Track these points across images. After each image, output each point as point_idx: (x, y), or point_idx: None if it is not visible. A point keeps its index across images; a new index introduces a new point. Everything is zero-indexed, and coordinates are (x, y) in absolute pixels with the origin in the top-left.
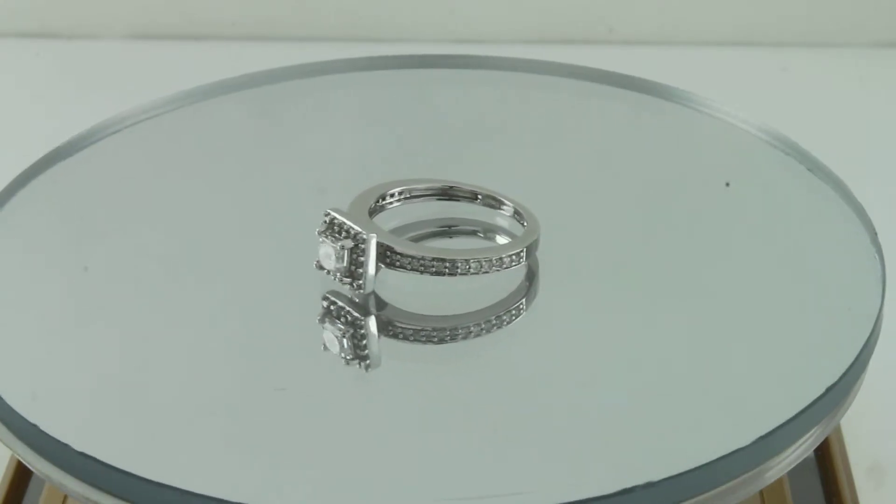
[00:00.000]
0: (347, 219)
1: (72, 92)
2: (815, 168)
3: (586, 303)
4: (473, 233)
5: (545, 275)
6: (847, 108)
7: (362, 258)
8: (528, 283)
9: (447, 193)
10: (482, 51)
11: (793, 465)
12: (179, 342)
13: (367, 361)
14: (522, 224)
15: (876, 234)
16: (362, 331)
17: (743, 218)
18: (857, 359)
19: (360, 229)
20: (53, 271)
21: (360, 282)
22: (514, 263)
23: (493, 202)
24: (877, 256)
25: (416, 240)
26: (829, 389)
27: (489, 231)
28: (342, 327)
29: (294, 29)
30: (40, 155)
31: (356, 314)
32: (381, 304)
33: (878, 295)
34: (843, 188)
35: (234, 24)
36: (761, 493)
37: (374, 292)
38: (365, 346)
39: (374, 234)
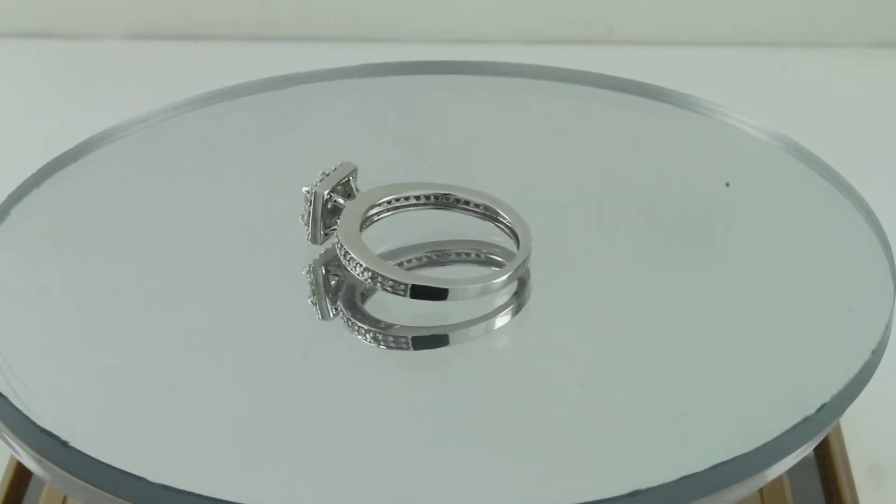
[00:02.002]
0: (334, 175)
1: (72, 92)
2: (823, 171)
3: (587, 307)
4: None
5: (544, 281)
6: (847, 108)
7: (309, 209)
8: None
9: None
10: (482, 51)
11: (792, 465)
12: (180, 343)
13: (318, 312)
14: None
15: (887, 239)
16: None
17: (745, 222)
18: (863, 368)
19: (316, 184)
20: (56, 275)
21: (307, 229)
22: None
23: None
24: (886, 261)
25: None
26: (832, 399)
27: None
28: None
29: (294, 29)
30: (40, 154)
31: (315, 265)
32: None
33: (888, 301)
34: (850, 190)
35: (234, 24)
36: (761, 492)
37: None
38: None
39: (321, 192)
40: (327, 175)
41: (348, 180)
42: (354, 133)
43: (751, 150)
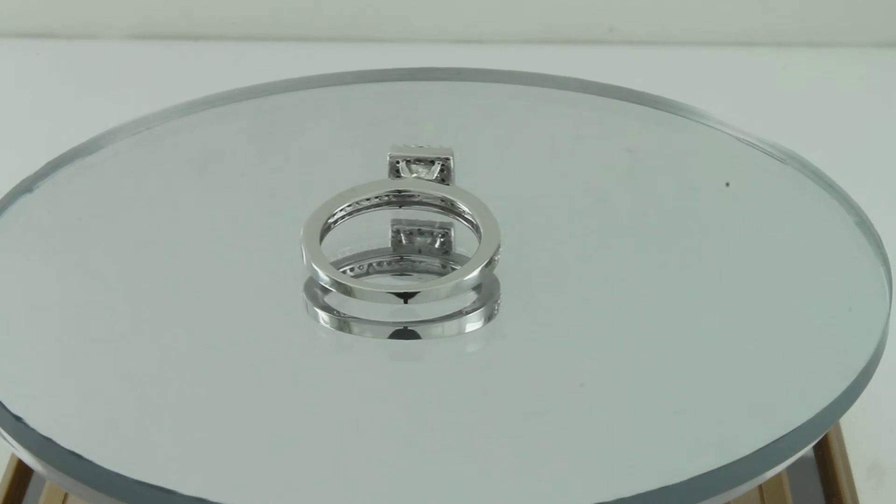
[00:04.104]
0: (420, 151)
1: (72, 92)
2: (815, 176)
3: (582, 309)
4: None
5: (533, 284)
6: (847, 108)
7: None
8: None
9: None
10: (482, 51)
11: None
12: (176, 346)
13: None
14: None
15: (881, 241)
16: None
17: (738, 226)
18: (860, 374)
19: (397, 146)
20: (53, 277)
21: None
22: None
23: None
24: (881, 263)
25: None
26: (831, 403)
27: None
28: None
29: (294, 29)
30: (40, 155)
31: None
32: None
33: (884, 303)
34: (843, 194)
35: (234, 24)
36: (761, 492)
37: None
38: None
39: (391, 154)
40: (420, 147)
41: (433, 162)
42: (350, 138)
43: (743, 156)
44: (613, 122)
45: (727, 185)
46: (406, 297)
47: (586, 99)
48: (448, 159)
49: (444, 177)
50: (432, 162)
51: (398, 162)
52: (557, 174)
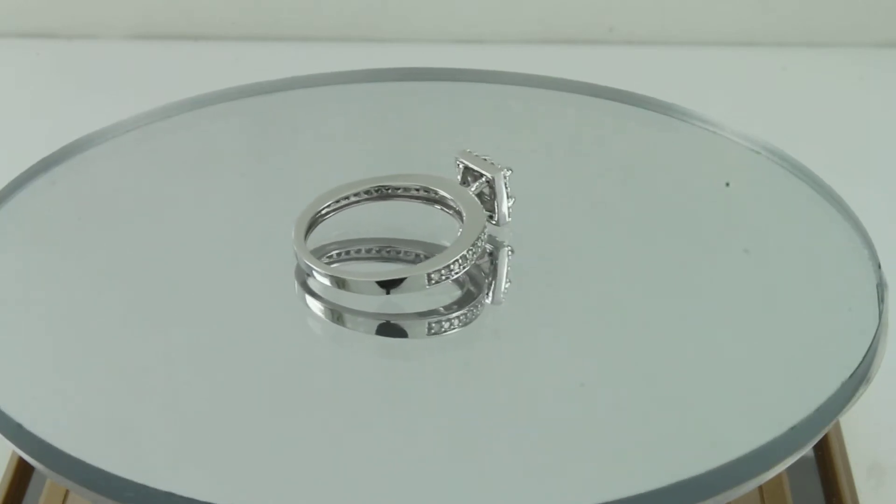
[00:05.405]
0: (477, 160)
1: (72, 92)
2: (809, 179)
3: (580, 309)
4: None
5: (530, 284)
6: (847, 108)
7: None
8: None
9: (383, 193)
10: (482, 51)
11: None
12: (173, 348)
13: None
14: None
15: (871, 241)
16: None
17: (734, 229)
18: (859, 373)
19: (463, 151)
20: (52, 276)
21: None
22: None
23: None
24: (872, 264)
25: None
26: (831, 403)
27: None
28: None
29: (294, 29)
30: (40, 155)
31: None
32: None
33: (875, 304)
34: (835, 197)
35: (234, 24)
36: (761, 492)
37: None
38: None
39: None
40: (483, 159)
41: (482, 176)
42: (347, 139)
43: (738, 158)
44: (612, 123)
45: (727, 184)
46: (389, 285)
47: (586, 100)
48: (492, 178)
49: (491, 194)
50: (481, 175)
51: (459, 165)
52: (556, 174)
